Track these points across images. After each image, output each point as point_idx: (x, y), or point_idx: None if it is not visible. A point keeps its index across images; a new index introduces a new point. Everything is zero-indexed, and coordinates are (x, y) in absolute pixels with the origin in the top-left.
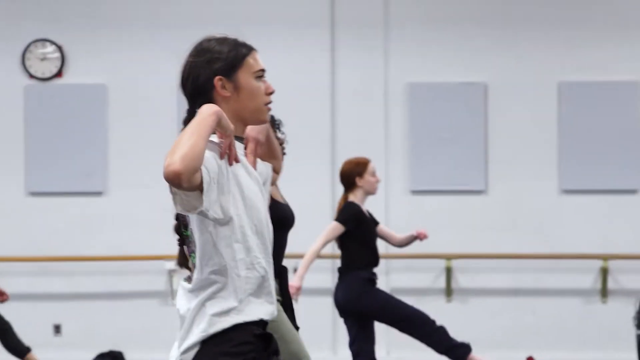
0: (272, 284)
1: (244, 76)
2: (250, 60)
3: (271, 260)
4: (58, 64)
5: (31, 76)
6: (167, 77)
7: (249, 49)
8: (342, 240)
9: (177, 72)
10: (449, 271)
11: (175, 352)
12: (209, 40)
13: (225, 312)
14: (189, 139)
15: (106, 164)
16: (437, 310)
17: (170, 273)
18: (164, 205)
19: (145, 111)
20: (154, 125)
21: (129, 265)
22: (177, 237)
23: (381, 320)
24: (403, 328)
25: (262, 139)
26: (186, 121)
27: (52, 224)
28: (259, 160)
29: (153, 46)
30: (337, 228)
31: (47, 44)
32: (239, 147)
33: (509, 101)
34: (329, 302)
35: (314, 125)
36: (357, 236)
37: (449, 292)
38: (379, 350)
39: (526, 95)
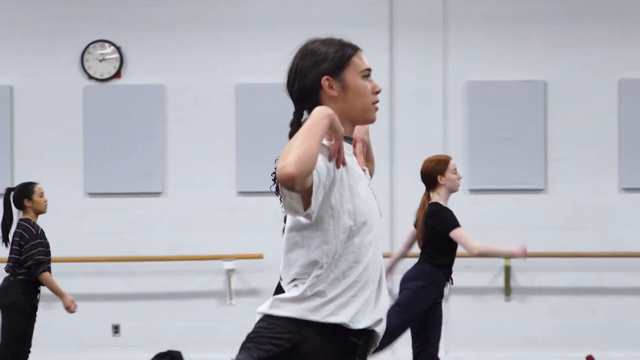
0: (373, 289)
1: (350, 75)
2: (356, 59)
3: (376, 265)
4: (117, 64)
5: (90, 77)
6: (225, 77)
7: (355, 49)
8: (431, 237)
9: (235, 72)
10: (507, 270)
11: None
12: (313, 42)
13: (286, 300)
14: (302, 142)
15: (164, 165)
16: (496, 309)
17: (229, 273)
18: (222, 205)
19: (203, 111)
20: (212, 125)
21: (188, 265)
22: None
23: (399, 311)
24: (416, 335)
25: (367, 140)
26: (293, 124)
27: (110, 224)
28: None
29: (211, 47)
30: (462, 231)
31: (106, 44)
32: (346, 147)
33: (568, 99)
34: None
35: (373, 124)
36: (445, 236)
37: (507, 291)
38: None
39: (586, 93)
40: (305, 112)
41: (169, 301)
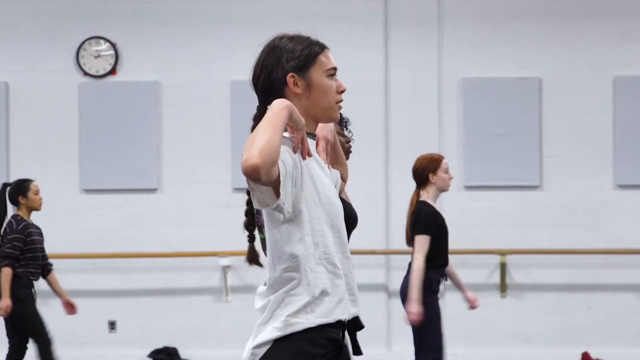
0: (351, 281)
1: (316, 74)
2: (322, 58)
3: (349, 256)
4: (112, 61)
5: (85, 73)
6: (220, 74)
7: (322, 47)
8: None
9: (230, 69)
10: (503, 267)
11: (249, 344)
12: (281, 37)
13: (299, 311)
14: (264, 132)
15: (160, 161)
16: (492, 306)
17: (224, 269)
18: (217, 202)
19: (199, 108)
20: (207, 122)
21: (183, 262)
22: (246, 233)
23: (412, 327)
24: (417, 344)
25: (331, 138)
26: (256, 117)
27: (106, 220)
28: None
29: (206, 43)
30: (425, 240)
31: (101, 41)
32: (310, 143)
33: (563, 96)
34: (383, 298)
35: (368, 121)
36: (434, 237)
37: (503, 287)
38: None
39: (581, 90)
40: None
41: (165, 297)
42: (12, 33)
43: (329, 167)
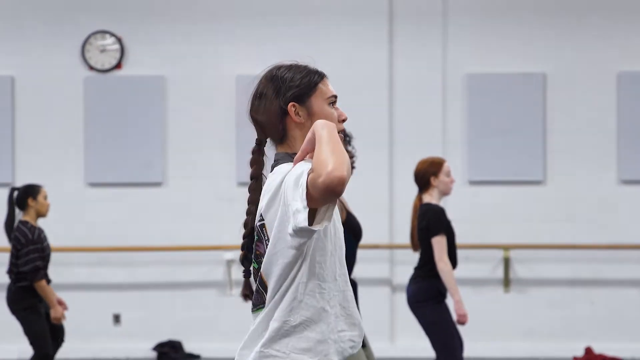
0: (352, 306)
1: (317, 102)
2: (322, 86)
3: (346, 288)
4: (117, 55)
5: (91, 68)
6: (225, 68)
7: (321, 76)
8: (427, 241)
9: (235, 63)
10: (506, 262)
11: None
12: (279, 68)
13: (274, 341)
14: (334, 148)
15: (165, 155)
16: (495, 301)
17: (229, 263)
18: (222, 196)
19: (204, 103)
20: (213, 116)
21: (188, 256)
22: (242, 268)
23: (427, 334)
24: (438, 353)
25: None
26: (254, 151)
27: (111, 214)
28: None
29: (211, 38)
30: (443, 240)
31: (107, 35)
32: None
33: (568, 92)
34: (386, 292)
35: (372, 116)
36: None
37: (506, 282)
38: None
39: (585, 85)
40: (269, 139)
41: (169, 291)
42: (18, 27)
43: None
